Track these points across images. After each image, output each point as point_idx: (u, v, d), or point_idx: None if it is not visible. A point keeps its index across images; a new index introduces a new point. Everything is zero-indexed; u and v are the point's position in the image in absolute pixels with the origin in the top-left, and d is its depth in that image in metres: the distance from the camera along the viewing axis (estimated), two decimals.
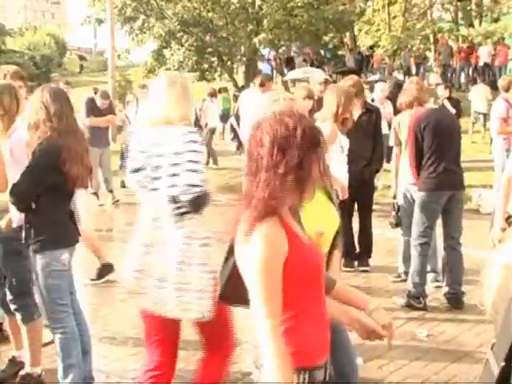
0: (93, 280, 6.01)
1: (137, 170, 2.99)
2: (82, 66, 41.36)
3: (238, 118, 12.58)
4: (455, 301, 5.36)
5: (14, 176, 3.59)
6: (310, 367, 2.08)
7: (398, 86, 12.57)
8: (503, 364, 1.55)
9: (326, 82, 8.36)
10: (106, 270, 6.03)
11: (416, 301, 5.30)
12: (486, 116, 15.14)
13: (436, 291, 5.66)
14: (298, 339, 2.06)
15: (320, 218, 2.56)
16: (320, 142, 2.04)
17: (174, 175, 2.87)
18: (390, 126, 6.87)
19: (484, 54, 21.78)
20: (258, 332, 2.00)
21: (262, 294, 1.98)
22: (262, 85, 9.40)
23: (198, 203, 2.87)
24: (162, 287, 2.93)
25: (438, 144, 5.26)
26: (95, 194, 9.77)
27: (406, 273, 6.03)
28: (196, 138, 2.98)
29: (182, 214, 2.86)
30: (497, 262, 1.63)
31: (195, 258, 2.92)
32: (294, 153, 1.96)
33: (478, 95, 15.92)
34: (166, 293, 2.93)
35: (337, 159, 5.28)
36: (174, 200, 2.86)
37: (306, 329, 2.08)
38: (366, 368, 4.18)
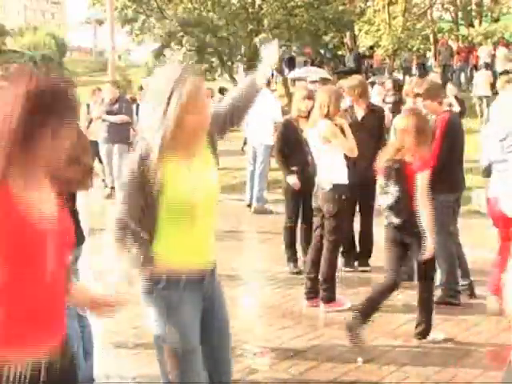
0: None
1: (502, 139, 4.56)
2: None
3: None
4: (470, 291, 5.52)
5: None
6: (19, 360, 1.84)
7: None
8: None
9: (318, 81, 8.36)
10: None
11: (453, 298, 5.37)
12: (489, 99, 15.26)
13: (436, 291, 5.65)
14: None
15: (193, 183, 2.57)
16: (58, 110, 1.85)
17: None
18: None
19: (484, 55, 21.78)
20: None
21: None
22: (268, 84, 9.66)
23: None
24: None
25: (460, 146, 5.41)
26: (113, 188, 10.05)
27: (406, 273, 6.02)
28: None
29: None
30: None
31: None
32: (16, 118, 1.78)
33: (480, 79, 16.11)
34: None
35: (337, 158, 5.31)
36: None
37: (15, 320, 1.83)
38: (366, 368, 4.19)
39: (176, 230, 2.57)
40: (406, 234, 4.45)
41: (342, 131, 5.30)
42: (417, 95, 5.56)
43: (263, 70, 3.01)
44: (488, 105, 15.52)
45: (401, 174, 4.37)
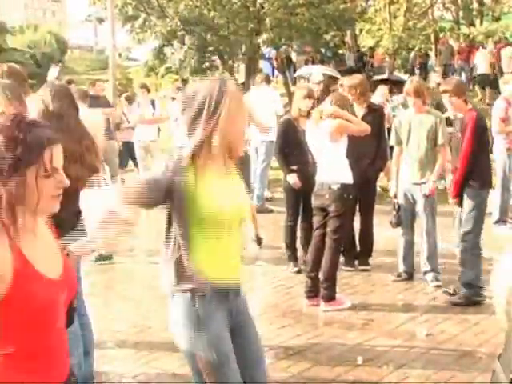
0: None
1: None
2: None
3: None
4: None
5: None
6: None
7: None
8: None
9: (321, 82, 8.34)
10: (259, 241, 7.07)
11: (478, 296, 5.32)
12: (488, 76, 15.33)
13: (436, 291, 5.66)
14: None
15: (224, 196, 2.56)
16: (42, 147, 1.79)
17: None
18: (389, 128, 6.84)
19: (488, 50, 21.72)
20: None
21: None
22: (268, 82, 9.78)
23: None
24: None
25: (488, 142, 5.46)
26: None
27: (407, 272, 6.03)
28: None
29: None
30: (506, 268, 1.62)
31: None
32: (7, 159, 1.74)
33: (479, 55, 16.33)
34: None
35: (339, 157, 5.31)
36: None
37: (24, 371, 1.82)
38: (366, 368, 4.19)
39: (203, 241, 2.54)
40: None
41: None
42: (444, 91, 5.51)
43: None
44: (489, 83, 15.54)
45: None
